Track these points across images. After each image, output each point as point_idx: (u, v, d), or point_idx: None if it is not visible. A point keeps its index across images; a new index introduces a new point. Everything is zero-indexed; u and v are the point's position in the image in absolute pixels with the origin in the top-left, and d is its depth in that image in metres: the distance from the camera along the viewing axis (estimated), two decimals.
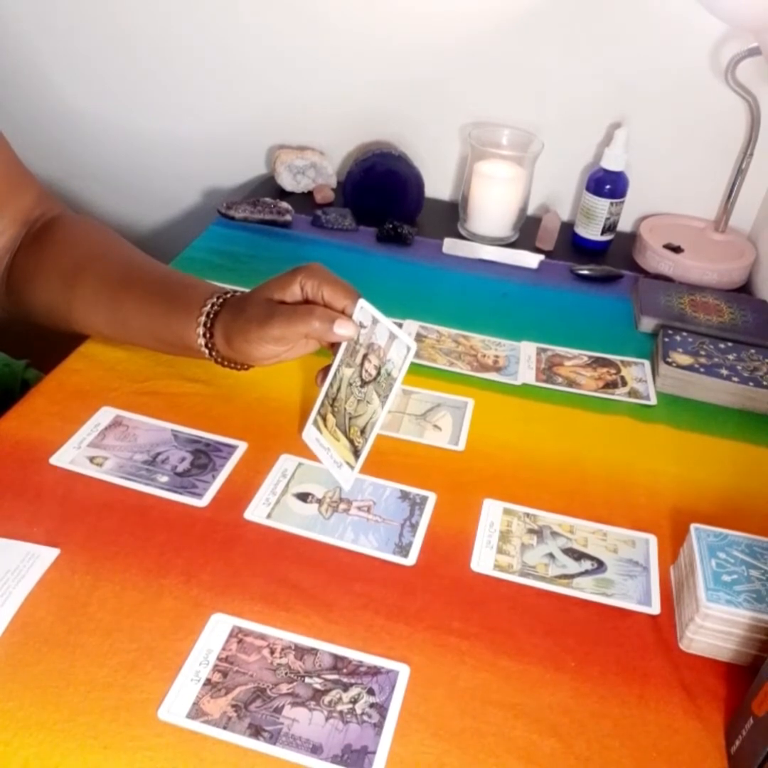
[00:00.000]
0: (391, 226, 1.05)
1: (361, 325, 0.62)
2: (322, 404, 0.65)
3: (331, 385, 0.64)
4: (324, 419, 0.64)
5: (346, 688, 0.50)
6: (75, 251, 0.74)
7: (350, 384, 0.63)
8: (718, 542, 0.58)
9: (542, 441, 0.74)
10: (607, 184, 1.07)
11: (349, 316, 0.62)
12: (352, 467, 0.62)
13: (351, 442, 0.62)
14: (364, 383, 0.62)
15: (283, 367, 0.76)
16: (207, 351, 0.68)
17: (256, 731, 0.47)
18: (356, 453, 0.62)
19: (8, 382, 0.90)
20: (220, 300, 0.67)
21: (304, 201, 1.15)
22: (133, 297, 0.70)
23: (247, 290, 0.68)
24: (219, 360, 0.69)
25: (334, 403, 0.63)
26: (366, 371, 0.62)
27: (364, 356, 0.62)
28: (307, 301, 0.64)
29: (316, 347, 0.67)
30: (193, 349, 0.68)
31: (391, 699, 0.50)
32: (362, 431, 0.61)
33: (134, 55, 1.22)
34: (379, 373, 0.61)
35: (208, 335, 0.67)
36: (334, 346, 0.65)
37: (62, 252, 0.74)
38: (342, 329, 0.61)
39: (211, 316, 0.66)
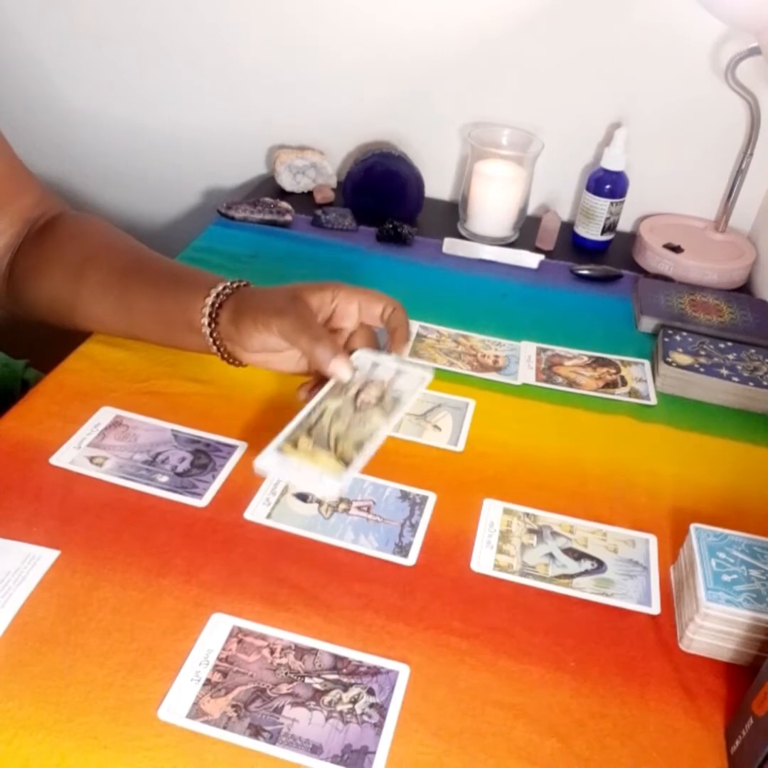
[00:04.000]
0: (391, 226, 1.05)
1: (358, 370, 0.63)
2: (293, 433, 0.60)
3: (308, 415, 0.61)
4: (294, 444, 0.59)
5: (346, 688, 0.50)
6: (80, 244, 0.75)
7: (338, 412, 0.61)
8: (718, 542, 0.58)
9: (542, 441, 0.74)
10: (607, 184, 1.07)
11: (370, 335, 0.65)
12: (338, 477, 0.57)
13: (341, 456, 0.58)
14: (357, 410, 0.61)
15: None
16: (207, 320, 0.66)
17: (256, 731, 0.47)
18: (346, 461, 0.58)
19: (8, 382, 0.90)
20: (237, 285, 0.67)
21: (304, 201, 1.15)
22: (142, 280, 0.71)
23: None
24: (214, 337, 0.66)
25: (311, 431, 0.60)
26: (362, 401, 0.62)
27: (358, 391, 0.62)
28: (332, 316, 0.65)
29: (305, 370, 0.67)
30: (194, 327, 0.67)
31: (391, 699, 0.50)
32: (356, 446, 0.59)
33: (135, 54, 1.22)
34: (381, 399, 0.62)
35: (216, 304, 0.66)
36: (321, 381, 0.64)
37: (67, 246, 0.74)
38: (338, 369, 0.60)
39: (226, 290, 0.66)
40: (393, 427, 0.60)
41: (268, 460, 0.57)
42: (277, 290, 0.66)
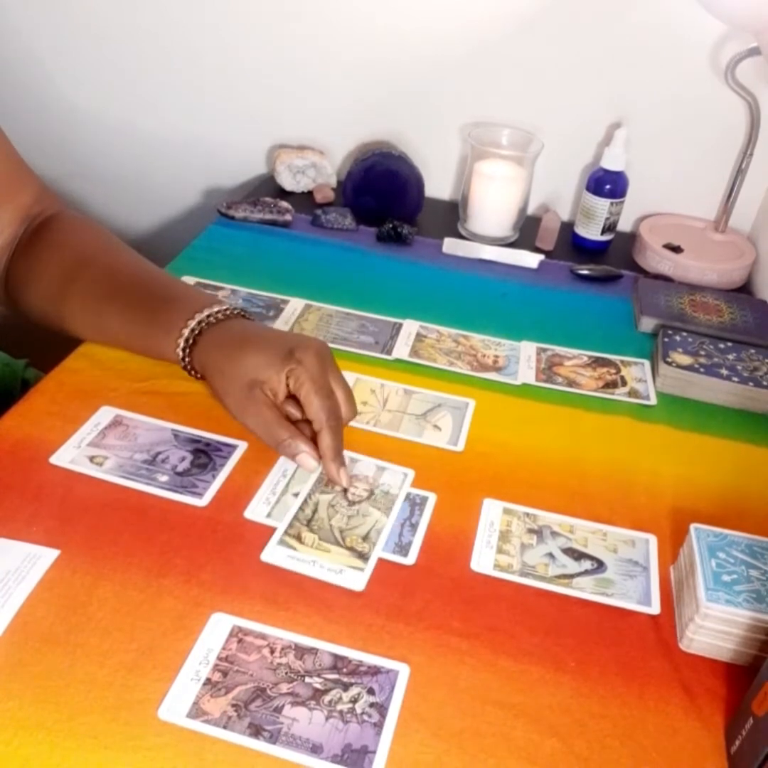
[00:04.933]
0: (391, 226, 1.05)
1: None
2: (291, 526, 0.61)
3: (301, 509, 0.62)
4: (298, 538, 0.60)
5: (346, 687, 0.50)
6: (66, 257, 0.75)
7: (332, 506, 0.63)
8: (718, 542, 0.58)
9: (542, 441, 0.74)
10: (607, 184, 1.07)
11: (312, 440, 0.65)
12: (360, 569, 0.58)
13: (351, 549, 0.60)
14: (351, 503, 0.64)
15: None
16: (182, 364, 0.70)
17: (256, 731, 0.47)
18: (362, 556, 0.59)
19: (8, 382, 0.90)
20: (197, 330, 0.68)
21: (304, 201, 1.15)
22: (116, 310, 0.72)
23: (242, 309, 0.72)
24: (192, 373, 0.71)
25: (311, 523, 0.61)
26: (353, 494, 0.64)
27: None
28: (289, 394, 0.66)
29: None
30: (169, 359, 0.71)
31: (391, 699, 0.50)
32: (364, 538, 0.61)
33: (135, 54, 1.22)
34: (372, 494, 0.64)
35: (187, 359, 0.69)
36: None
37: (53, 258, 0.75)
38: (303, 462, 0.64)
39: (190, 342, 0.68)
40: (394, 518, 0.63)
41: (278, 555, 0.59)
42: (234, 375, 0.65)
